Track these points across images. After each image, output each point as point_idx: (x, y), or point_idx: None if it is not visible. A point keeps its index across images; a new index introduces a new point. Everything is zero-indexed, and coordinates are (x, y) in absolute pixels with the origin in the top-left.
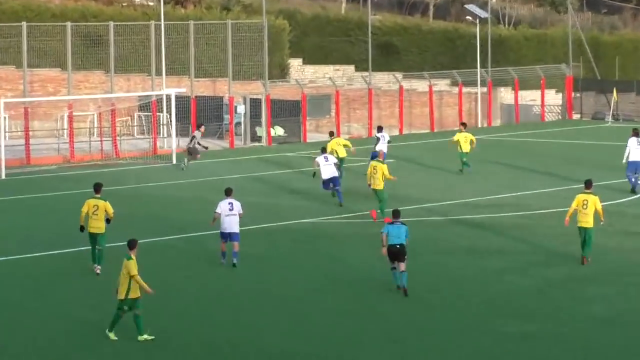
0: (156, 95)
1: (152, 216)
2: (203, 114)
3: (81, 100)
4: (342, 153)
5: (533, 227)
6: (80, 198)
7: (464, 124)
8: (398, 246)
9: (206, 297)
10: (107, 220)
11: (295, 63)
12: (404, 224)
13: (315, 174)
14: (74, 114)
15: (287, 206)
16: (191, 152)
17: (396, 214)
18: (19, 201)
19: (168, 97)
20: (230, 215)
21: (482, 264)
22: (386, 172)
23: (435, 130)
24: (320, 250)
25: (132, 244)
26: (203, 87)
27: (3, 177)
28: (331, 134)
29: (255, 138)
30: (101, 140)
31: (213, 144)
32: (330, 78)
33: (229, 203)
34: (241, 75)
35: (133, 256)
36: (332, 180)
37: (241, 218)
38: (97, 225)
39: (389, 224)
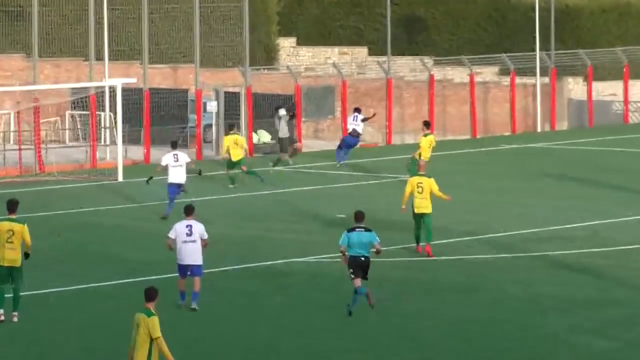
0: (96, 88)
1: (90, 252)
2: (160, 112)
3: None
4: (237, 156)
5: (613, 269)
6: None
7: (427, 123)
8: (362, 258)
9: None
10: (26, 255)
11: (286, 44)
12: (369, 229)
13: (152, 177)
14: None
15: (275, 240)
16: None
17: (359, 216)
18: None
19: (112, 90)
20: (188, 242)
21: (545, 321)
22: (436, 189)
23: (479, 136)
24: (317, 303)
25: (151, 295)
26: (160, 77)
27: None
28: (230, 127)
29: None
30: (19, 149)
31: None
32: (334, 64)
33: (187, 226)
34: (212, 60)
35: (154, 311)
36: (179, 186)
37: (206, 246)
38: (13, 257)
39: (348, 230)
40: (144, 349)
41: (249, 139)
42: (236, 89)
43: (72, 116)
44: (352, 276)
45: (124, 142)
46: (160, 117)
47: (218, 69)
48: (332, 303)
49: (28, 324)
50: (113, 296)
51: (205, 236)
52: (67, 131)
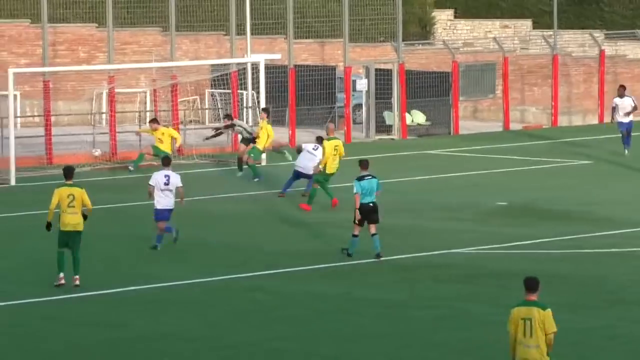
0: (237, 64)
1: (227, 244)
2: (306, 91)
3: (127, 71)
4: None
5: None
6: (125, 214)
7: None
8: (371, 204)
9: None
10: (84, 217)
11: (442, 16)
12: (375, 177)
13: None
14: (117, 90)
15: (433, 230)
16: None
17: (365, 164)
18: (32, 219)
19: (255, 67)
20: (165, 190)
21: None
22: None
23: None
24: (480, 298)
25: (533, 284)
26: (306, 53)
27: (13, 182)
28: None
29: (383, 128)
30: None
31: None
32: (495, 39)
33: (165, 176)
34: (363, 35)
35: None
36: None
37: (182, 196)
38: (75, 221)
39: (358, 179)
40: (542, 347)
41: (402, 119)
42: (388, 66)
43: (212, 95)
44: (356, 233)
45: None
46: (306, 96)
47: (368, 44)
48: (492, 296)
49: (176, 320)
50: (258, 288)
51: (180, 184)
52: (207, 111)
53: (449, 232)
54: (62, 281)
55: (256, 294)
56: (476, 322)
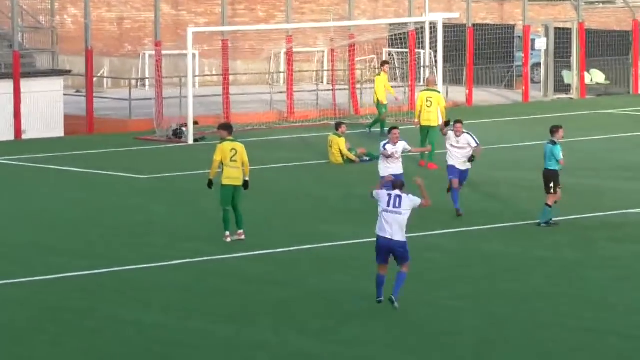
0: (415, 24)
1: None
2: (484, 50)
3: (305, 30)
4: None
5: None
6: (299, 173)
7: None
8: (544, 170)
9: None
10: (245, 184)
11: None
12: (555, 143)
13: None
14: (295, 50)
15: (611, 189)
16: None
17: (552, 129)
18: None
19: (433, 26)
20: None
21: None
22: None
23: None
24: None
25: None
26: (485, 11)
27: (190, 141)
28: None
29: (561, 87)
30: (333, 90)
31: (499, 95)
32: None
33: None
34: None
35: None
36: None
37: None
38: (237, 175)
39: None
40: None
41: (581, 78)
42: (567, 25)
43: (390, 54)
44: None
45: (444, 82)
46: (484, 55)
47: (548, 3)
48: None
49: (349, 278)
50: (433, 247)
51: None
52: None
53: (628, 192)
54: (229, 239)
55: (432, 253)
56: None
